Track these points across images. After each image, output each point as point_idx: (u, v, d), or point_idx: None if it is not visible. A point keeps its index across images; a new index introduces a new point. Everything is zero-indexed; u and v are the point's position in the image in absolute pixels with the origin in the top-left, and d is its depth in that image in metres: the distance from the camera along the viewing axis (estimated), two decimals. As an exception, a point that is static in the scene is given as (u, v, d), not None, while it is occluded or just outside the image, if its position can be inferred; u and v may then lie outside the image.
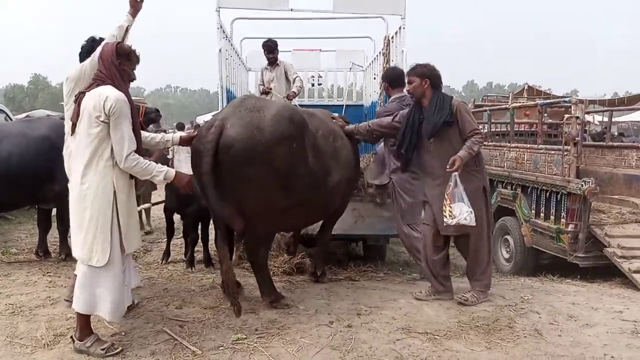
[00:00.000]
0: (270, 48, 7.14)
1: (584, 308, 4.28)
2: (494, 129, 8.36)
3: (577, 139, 5.57)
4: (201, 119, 23.24)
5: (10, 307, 4.15)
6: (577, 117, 5.50)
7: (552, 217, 6.00)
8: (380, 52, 7.16)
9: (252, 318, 3.96)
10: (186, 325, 3.80)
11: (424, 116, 4.24)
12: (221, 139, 3.75)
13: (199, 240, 5.64)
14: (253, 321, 3.90)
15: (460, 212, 3.87)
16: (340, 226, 5.49)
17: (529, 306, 4.26)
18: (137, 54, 3.52)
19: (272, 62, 7.25)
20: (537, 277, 5.78)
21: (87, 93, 3.31)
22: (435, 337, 3.63)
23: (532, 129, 8.43)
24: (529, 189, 6.42)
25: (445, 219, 3.97)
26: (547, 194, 6.08)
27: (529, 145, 6.69)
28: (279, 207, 4.01)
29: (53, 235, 6.13)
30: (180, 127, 14.91)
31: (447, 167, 3.94)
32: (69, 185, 3.45)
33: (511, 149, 6.89)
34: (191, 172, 3.89)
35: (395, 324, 3.84)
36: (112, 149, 3.25)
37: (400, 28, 5.84)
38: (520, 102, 8.41)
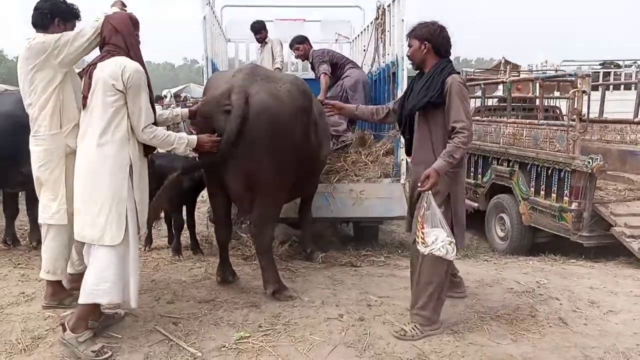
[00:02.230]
0: (256, 29, 7.26)
1: (604, 293, 4.08)
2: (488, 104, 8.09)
3: (583, 114, 5.31)
4: (167, 92, 22.49)
5: (-21, 305, 3.69)
6: (584, 92, 5.24)
7: (553, 195, 5.78)
8: (371, 23, 6.74)
9: (253, 312, 3.61)
10: (181, 323, 3.43)
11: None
12: (248, 107, 3.56)
13: (184, 225, 5.21)
14: (255, 316, 3.55)
15: (435, 239, 3.04)
16: (337, 209, 5.22)
17: (547, 292, 4.03)
18: None
19: (261, 41, 7.37)
20: (539, 257, 5.58)
21: (98, 64, 3.08)
22: (456, 330, 3.37)
23: (525, 104, 8.22)
24: (528, 166, 6.17)
25: (417, 246, 3.17)
26: (549, 171, 5.84)
27: (528, 121, 6.43)
28: (289, 181, 3.91)
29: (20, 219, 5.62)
30: (158, 98, 14.26)
31: (418, 184, 3.15)
32: (77, 159, 3.14)
33: (508, 124, 6.63)
34: None
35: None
36: (128, 121, 3.08)
37: (399, -5, 5.42)
38: (512, 77, 8.15)
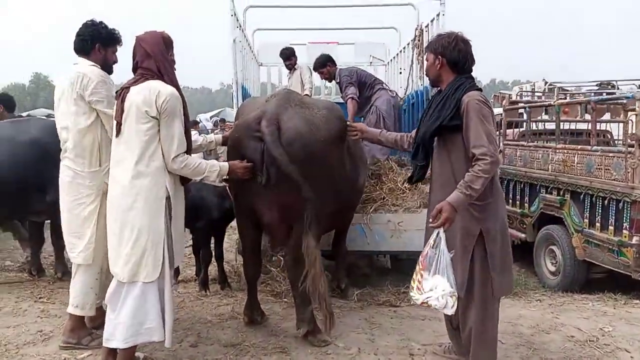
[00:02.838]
0: (286, 55, 7.22)
1: (680, 344, 3.58)
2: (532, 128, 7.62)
3: (644, 139, 4.84)
4: (203, 117, 22.62)
5: (-6, 345, 3.47)
6: (645, 115, 4.78)
7: (611, 228, 5.27)
8: (408, 44, 6.45)
9: (283, 360, 3.27)
10: (204, 371, 3.12)
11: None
12: (281, 132, 3.36)
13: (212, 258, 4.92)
14: (285, 365, 3.22)
15: (432, 287, 2.58)
16: (374, 241, 4.86)
17: (613, 341, 3.57)
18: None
19: (290, 68, 7.35)
20: (597, 296, 5.07)
21: (131, 88, 2.90)
22: (513, 387, 2.95)
23: (572, 129, 7.72)
24: (581, 196, 5.69)
25: (410, 292, 2.75)
26: (605, 201, 5.36)
27: (580, 147, 5.96)
28: (326, 211, 3.64)
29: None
30: (193, 124, 14.28)
31: (430, 219, 2.73)
32: (109, 189, 2.98)
33: (557, 150, 6.18)
34: None
35: (459, 367, 3.15)
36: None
37: (438, 14, 5.14)
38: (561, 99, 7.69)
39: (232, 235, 6.11)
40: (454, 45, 2.90)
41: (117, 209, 2.89)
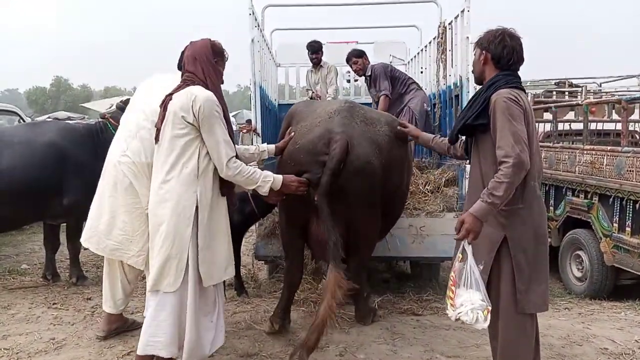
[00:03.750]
0: (314, 49, 6.98)
1: None
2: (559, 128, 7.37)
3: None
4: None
5: (6, 352, 3.40)
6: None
7: (642, 233, 5.06)
8: (430, 42, 6.28)
9: (301, 373, 3.13)
10: (220, 383, 3.01)
11: None
12: (348, 159, 3.30)
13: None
14: (304, 378, 3.08)
15: (464, 302, 2.42)
16: (395, 247, 4.69)
17: (650, 355, 3.37)
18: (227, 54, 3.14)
19: (317, 63, 7.15)
20: (627, 304, 4.86)
21: (174, 95, 2.87)
22: (545, 404, 2.78)
23: (599, 129, 7.47)
24: (610, 199, 5.47)
25: (447, 309, 2.58)
26: (636, 204, 5.13)
27: (610, 148, 5.73)
28: (379, 227, 3.78)
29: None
30: None
31: (455, 232, 2.57)
32: (150, 195, 2.92)
33: (585, 152, 5.95)
34: None
35: (487, 382, 2.99)
36: (199, 157, 2.81)
37: (463, 11, 4.96)
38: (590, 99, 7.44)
39: (249, 239, 6.01)
40: (499, 39, 2.70)
41: (150, 214, 2.89)
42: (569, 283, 6.09)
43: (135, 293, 4.04)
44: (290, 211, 3.63)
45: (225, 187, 2.95)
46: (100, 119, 5.15)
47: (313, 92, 7.10)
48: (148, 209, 2.94)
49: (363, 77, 6.25)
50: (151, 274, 2.82)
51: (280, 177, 3.11)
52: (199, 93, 2.80)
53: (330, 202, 3.22)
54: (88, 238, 3.45)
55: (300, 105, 4.25)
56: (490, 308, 2.43)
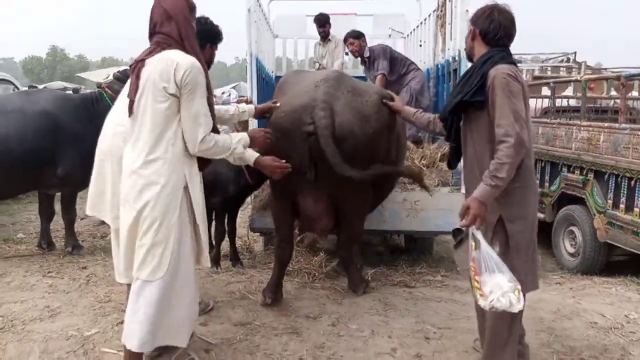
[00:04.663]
0: (321, 22, 6.95)
1: None
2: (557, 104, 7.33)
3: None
4: (218, 92, 22.37)
5: (1, 319, 3.42)
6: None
7: (636, 210, 5.06)
8: (430, 15, 6.20)
9: (294, 341, 3.19)
10: (213, 351, 3.05)
11: None
12: (334, 128, 3.22)
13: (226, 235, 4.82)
14: (296, 346, 3.14)
15: (493, 289, 2.32)
16: (389, 220, 4.70)
17: (639, 329, 3.41)
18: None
19: (324, 36, 7.14)
20: (619, 280, 4.90)
21: (147, 60, 2.52)
22: (533, 375, 2.83)
23: (597, 106, 7.44)
24: (605, 175, 5.48)
25: (478, 301, 2.45)
26: (632, 182, 5.14)
27: (607, 124, 5.71)
28: (370, 199, 3.79)
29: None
30: None
31: (459, 219, 2.51)
32: (123, 176, 2.63)
33: (582, 128, 5.93)
34: None
35: (477, 354, 3.03)
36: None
37: (463, -17, 4.87)
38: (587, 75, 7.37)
39: (244, 211, 6.02)
40: (487, 14, 2.64)
41: (128, 198, 2.55)
42: (561, 258, 6.13)
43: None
44: (280, 185, 3.57)
45: (202, 162, 2.70)
46: (96, 89, 5.10)
47: (320, 65, 7.08)
48: (122, 192, 2.61)
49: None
50: (132, 261, 2.57)
51: (243, 133, 2.93)
52: (181, 59, 2.47)
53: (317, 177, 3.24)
54: (92, 206, 3.40)
55: (289, 75, 4.20)
56: (519, 287, 2.35)
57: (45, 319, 3.45)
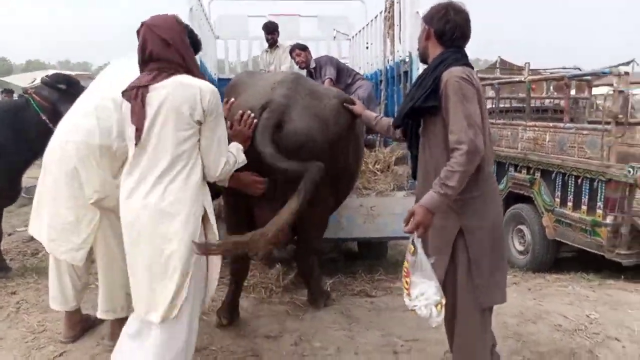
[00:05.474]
0: (270, 29, 6.91)
1: (667, 329, 3.48)
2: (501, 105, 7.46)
3: (620, 116, 4.72)
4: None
5: None
6: (622, 92, 4.65)
7: (584, 207, 5.20)
8: (376, 17, 6.11)
9: (254, 365, 2.95)
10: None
11: None
12: (285, 134, 2.99)
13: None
14: (257, 370, 2.90)
15: (419, 296, 2.26)
16: (346, 228, 4.54)
17: (602, 329, 3.41)
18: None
19: (272, 44, 7.05)
20: (570, 276, 4.99)
21: (150, 87, 2.32)
22: (507, 386, 2.74)
23: (538, 106, 7.64)
24: (553, 174, 5.59)
25: (404, 297, 2.39)
26: (578, 180, 5.26)
27: (552, 124, 5.83)
28: (330, 207, 3.62)
29: None
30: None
31: (403, 224, 2.35)
32: (127, 214, 2.39)
33: (528, 128, 6.03)
34: None
35: (448, 367, 2.92)
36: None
37: (412, -16, 4.80)
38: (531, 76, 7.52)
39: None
40: (443, 14, 2.49)
41: (151, 237, 2.33)
42: (511, 257, 6.19)
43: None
44: (234, 195, 3.28)
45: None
46: (22, 94, 4.65)
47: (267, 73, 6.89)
48: (126, 222, 2.41)
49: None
50: (141, 298, 2.39)
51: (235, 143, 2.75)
52: (202, 85, 2.36)
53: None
54: (30, 225, 3.04)
55: (243, 75, 3.90)
56: (444, 302, 2.25)
57: None
